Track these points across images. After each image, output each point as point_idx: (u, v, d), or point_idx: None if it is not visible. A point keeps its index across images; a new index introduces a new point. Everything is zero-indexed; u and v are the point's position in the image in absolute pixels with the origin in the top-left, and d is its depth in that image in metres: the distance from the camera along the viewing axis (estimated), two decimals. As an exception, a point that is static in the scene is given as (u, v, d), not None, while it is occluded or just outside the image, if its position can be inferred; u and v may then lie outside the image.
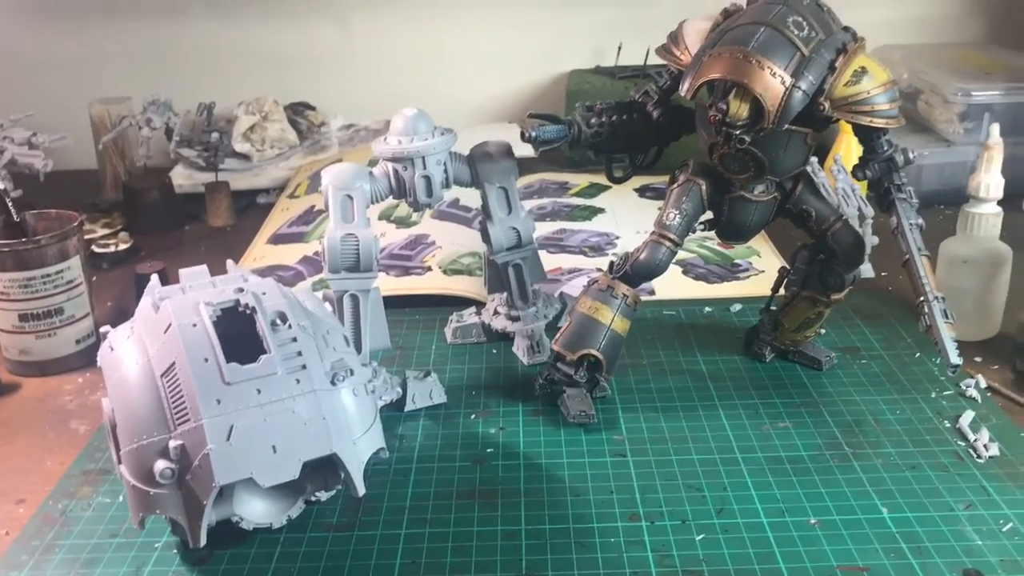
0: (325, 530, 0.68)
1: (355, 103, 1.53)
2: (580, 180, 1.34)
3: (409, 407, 0.82)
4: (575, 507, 0.69)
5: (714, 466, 0.73)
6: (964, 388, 0.82)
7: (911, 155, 0.77)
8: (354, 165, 0.81)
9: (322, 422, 0.61)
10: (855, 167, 0.78)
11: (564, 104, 1.47)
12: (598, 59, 1.52)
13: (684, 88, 0.74)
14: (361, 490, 0.63)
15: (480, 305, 0.96)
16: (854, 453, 0.74)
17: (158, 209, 1.27)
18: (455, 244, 1.11)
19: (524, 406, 0.82)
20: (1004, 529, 0.66)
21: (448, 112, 1.16)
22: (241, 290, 0.65)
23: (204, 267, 0.70)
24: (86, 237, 1.10)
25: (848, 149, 1.14)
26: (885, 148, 0.76)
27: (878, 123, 0.73)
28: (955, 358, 0.68)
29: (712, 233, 0.82)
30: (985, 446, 0.74)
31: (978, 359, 0.88)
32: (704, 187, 0.79)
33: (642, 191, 1.30)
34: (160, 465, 0.59)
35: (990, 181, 0.87)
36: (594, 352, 0.78)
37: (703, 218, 0.80)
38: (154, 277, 0.69)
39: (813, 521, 0.67)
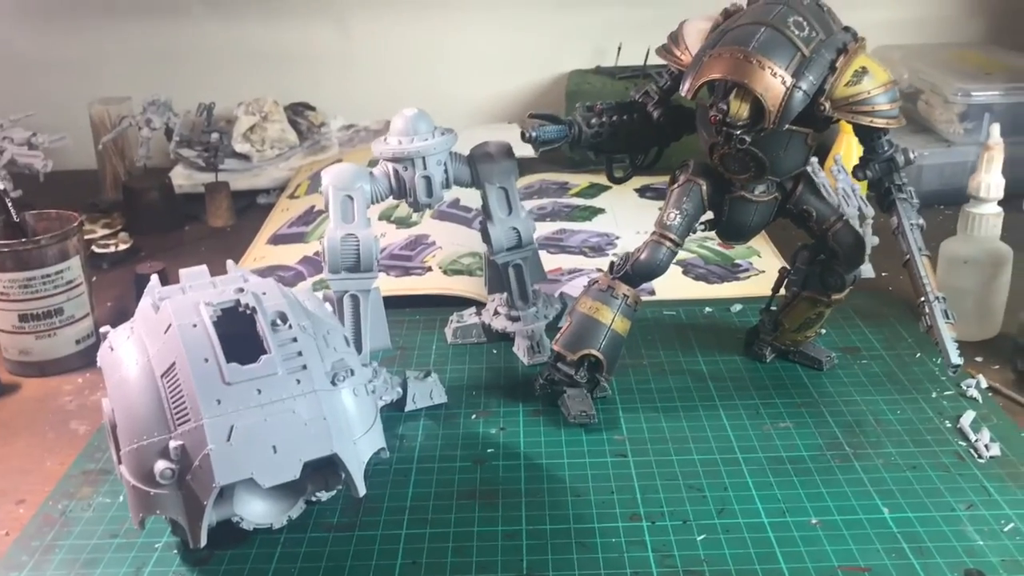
0: (326, 530, 0.68)
1: (355, 103, 1.53)
2: (580, 180, 1.34)
3: (409, 407, 0.82)
4: (576, 507, 0.69)
5: (715, 466, 0.73)
6: (965, 388, 0.82)
7: (912, 155, 0.77)
8: (354, 165, 0.81)
9: (323, 422, 0.61)
10: (856, 167, 0.78)
11: (564, 104, 1.47)
12: (598, 59, 1.52)
13: (684, 88, 0.74)
14: (362, 490, 0.63)
15: (480, 305, 0.96)
16: (855, 453, 0.74)
17: (158, 209, 1.27)
18: (455, 244, 1.11)
19: (525, 406, 0.82)
20: (1005, 529, 0.66)
21: (448, 112, 1.16)
22: (241, 290, 0.65)
23: (204, 267, 0.70)
24: (86, 237, 1.10)
25: (848, 149, 1.14)
26: (886, 148, 0.76)
27: (879, 123, 0.73)
28: (956, 358, 0.67)
29: (712, 233, 0.82)
30: (986, 446, 0.74)
31: (979, 359, 0.87)
32: (705, 187, 0.79)
33: (642, 191, 1.30)
34: (160, 465, 0.59)
35: (991, 181, 0.87)
36: (595, 352, 0.78)
37: (703, 218, 0.80)
38: (154, 277, 0.69)
39: (814, 521, 0.67)
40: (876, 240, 0.99)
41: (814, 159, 0.81)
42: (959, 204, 0.91)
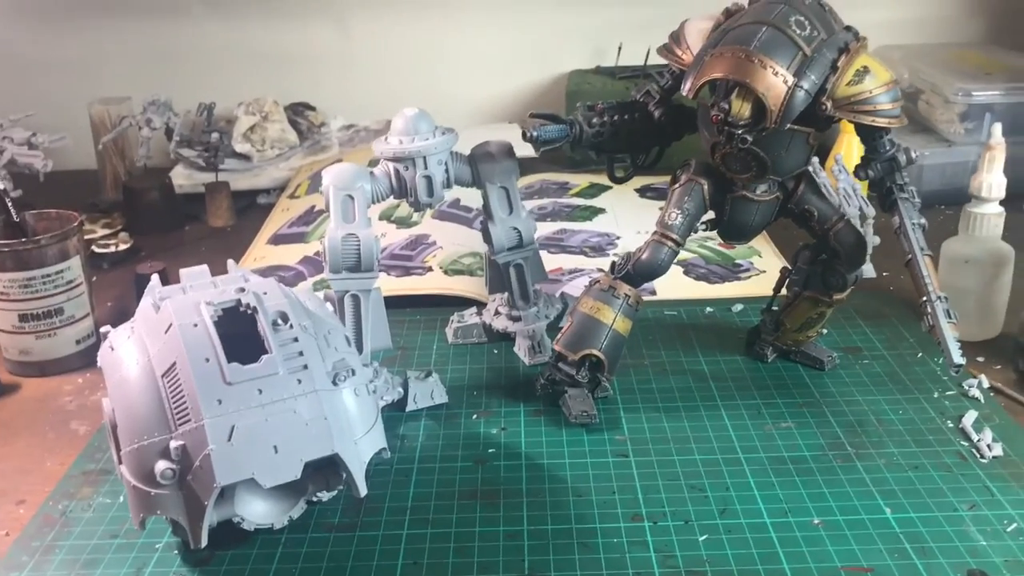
0: (327, 531, 0.68)
1: (355, 103, 1.53)
2: (580, 180, 1.34)
3: (410, 407, 0.82)
4: (577, 507, 0.69)
5: (717, 466, 0.73)
6: (967, 388, 0.82)
7: (913, 155, 0.77)
8: (355, 165, 0.81)
9: (324, 422, 0.61)
10: (857, 167, 0.78)
11: (564, 104, 1.47)
12: (598, 59, 1.52)
13: (686, 87, 0.74)
14: (363, 490, 0.63)
15: (481, 305, 0.96)
16: (857, 453, 0.74)
17: (158, 209, 1.27)
18: (456, 244, 1.11)
19: (526, 406, 0.82)
20: (1008, 529, 0.65)
21: (448, 112, 1.16)
22: (242, 290, 0.65)
23: (205, 267, 0.70)
24: (86, 237, 1.10)
25: (849, 149, 1.14)
26: (887, 148, 0.76)
27: (880, 122, 0.73)
28: (958, 358, 0.67)
29: (713, 233, 0.82)
30: (988, 446, 0.74)
31: (980, 359, 0.87)
32: (706, 187, 0.78)
33: (643, 191, 1.30)
34: (161, 465, 0.59)
35: (992, 181, 0.87)
36: (596, 352, 0.78)
37: (705, 218, 0.80)
38: (154, 277, 0.69)
39: (816, 521, 0.67)
40: (877, 240, 0.99)
41: (815, 159, 0.81)
42: (960, 204, 0.91)
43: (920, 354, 0.89)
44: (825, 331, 0.90)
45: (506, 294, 0.90)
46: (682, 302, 1.00)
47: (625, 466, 0.74)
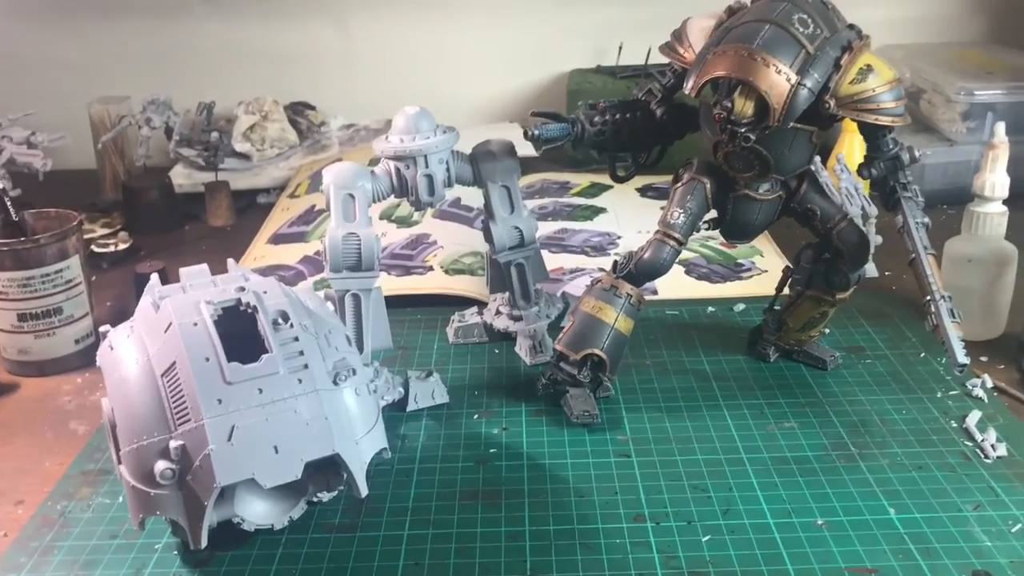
0: (327, 531, 0.67)
1: (355, 103, 1.52)
2: (581, 180, 1.33)
3: (411, 407, 0.82)
4: (579, 508, 0.69)
5: (719, 467, 0.73)
6: (970, 388, 0.82)
7: (916, 153, 0.77)
8: (355, 164, 0.80)
9: (324, 422, 0.61)
10: (860, 165, 0.78)
11: (565, 103, 1.47)
12: (599, 58, 1.52)
13: (688, 86, 0.73)
14: (364, 491, 0.63)
15: (482, 305, 0.95)
16: (860, 453, 0.74)
17: (158, 209, 1.26)
18: (457, 244, 1.10)
19: (527, 406, 0.82)
20: (1013, 530, 0.65)
21: (448, 112, 1.15)
22: (242, 289, 0.64)
23: (205, 266, 0.69)
24: (85, 237, 1.10)
25: (851, 148, 1.14)
26: (890, 146, 0.76)
27: (884, 121, 0.72)
28: (962, 357, 0.67)
29: (715, 232, 0.82)
30: (992, 446, 0.73)
31: (984, 359, 0.87)
32: (708, 186, 0.78)
33: (644, 190, 1.29)
34: (160, 465, 0.59)
35: (995, 180, 0.87)
36: (598, 352, 0.78)
37: (707, 217, 0.80)
38: (154, 276, 0.68)
39: (820, 522, 0.67)
40: (880, 239, 0.98)
41: (817, 158, 0.81)
42: (962, 203, 0.91)
43: (923, 353, 0.88)
44: (828, 331, 0.90)
45: (507, 294, 0.90)
46: (684, 302, 0.99)
47: (627, 466, 0.73)
